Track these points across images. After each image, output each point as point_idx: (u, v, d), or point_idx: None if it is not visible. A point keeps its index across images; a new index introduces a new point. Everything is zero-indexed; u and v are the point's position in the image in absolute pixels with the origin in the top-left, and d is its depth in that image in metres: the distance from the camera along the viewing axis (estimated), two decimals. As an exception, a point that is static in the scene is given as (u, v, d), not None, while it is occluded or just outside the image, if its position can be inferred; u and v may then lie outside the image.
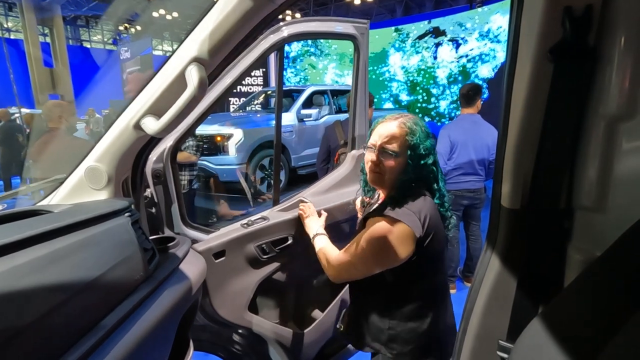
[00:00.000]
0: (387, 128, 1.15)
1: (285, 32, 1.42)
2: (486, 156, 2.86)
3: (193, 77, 0.82)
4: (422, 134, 1.14)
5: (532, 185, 0.81)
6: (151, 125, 0.86)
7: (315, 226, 1.39)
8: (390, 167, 1.12)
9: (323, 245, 1.31)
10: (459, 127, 2.91)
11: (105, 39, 21.80)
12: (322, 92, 6.81)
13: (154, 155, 1.26)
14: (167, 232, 1.30)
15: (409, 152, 1.12)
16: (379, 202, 1.22)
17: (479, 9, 9.88)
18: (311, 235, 1.37)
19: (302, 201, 1.61)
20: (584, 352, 0.57)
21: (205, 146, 5.41)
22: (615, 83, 0.68)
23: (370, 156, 1.15)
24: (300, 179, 6.08)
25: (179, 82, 0.85)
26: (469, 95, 2.92)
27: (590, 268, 0.66)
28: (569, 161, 0.77)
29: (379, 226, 1.07)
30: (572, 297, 0.66)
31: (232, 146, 5.38)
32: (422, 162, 1.13)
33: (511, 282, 0.86)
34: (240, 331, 1.54)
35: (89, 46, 20.83)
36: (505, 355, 0.84)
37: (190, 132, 1.33)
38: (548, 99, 0.75)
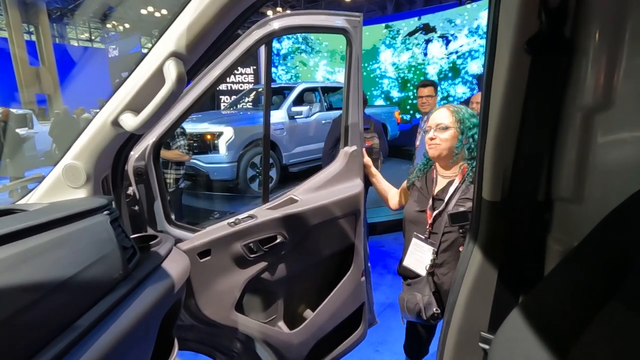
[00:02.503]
0: (438, 112, 1.50)
1: (275, 25, 1.38)
2: None
3: (171, 72, 0.81)
4: (467, 112, 1.47)
5: (512, 178, 0.82)
6: (130, 122, 0.85)
7: None
8: (444, 138, 1.45)
9: None
10: None
11: (93, 37, 21.46)
12: (313, 89, 6.78)
13: (136, 153, 1.24)
14: (150, 231, 1.28)
15: (457, 125, 1.44)
16: (435, 177, 1.55)
17: (468, 6, 9.92)
18: None
19: (292, 199, 1.58)
20: (560, 342, 0.58)
21: (195, 144, 5.36)
22: (591, 75, 0.69)
23: (429, 134, 1.48)
24: (292, 177, 6.06)
25: (157, 77, 0.83)
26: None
27: (566, 259, 0.67)
28: (547, 153, 0.78)
29: None
30: (549, 288, 0.66)
31: (222, 144, 5.34)
32: (469, 133, 1.44)
33: (493, 274, 0.87)
34: (228, 331, 1.53)
35: (76, 44, 20.48)
36: (486, 347, 0.84)
37: (173, 128, 1.30)
38: (526, 91, 0.75)
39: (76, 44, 20.55)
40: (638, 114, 0.66)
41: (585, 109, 0.71)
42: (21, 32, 11.91)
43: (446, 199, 1.45)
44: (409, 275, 1.58)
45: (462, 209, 1.36)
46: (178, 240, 1.27)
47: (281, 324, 1.58)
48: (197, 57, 0.88)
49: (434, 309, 1.42)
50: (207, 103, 9.33)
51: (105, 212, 0.84)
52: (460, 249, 1.34)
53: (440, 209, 1.45)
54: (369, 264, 1.82)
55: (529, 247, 0.82)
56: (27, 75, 11.73)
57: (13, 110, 8.49)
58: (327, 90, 7.08)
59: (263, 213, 1.46)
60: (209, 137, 5.36)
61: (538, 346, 0.59)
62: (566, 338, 0.57)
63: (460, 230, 1.34)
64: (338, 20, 1.58)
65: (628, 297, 0.53)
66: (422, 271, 1.48)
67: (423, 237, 1.50)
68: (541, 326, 0.61)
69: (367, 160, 1.81)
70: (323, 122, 6.42)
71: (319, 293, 1.67)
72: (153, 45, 0.86)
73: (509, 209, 0.83)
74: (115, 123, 0.87)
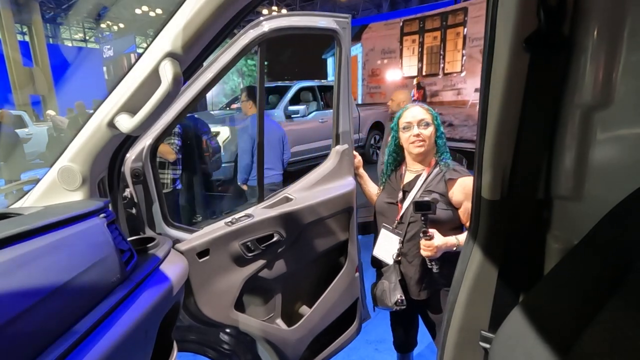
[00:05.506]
0: (415, 109, 1.54)
1: (266, 27, 1.40)
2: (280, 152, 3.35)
3: (167, 72, 0.80)
4: (434, 111, 1.56)
5: (511, 176, 0.82)
6: (125, 123, 0.84)
7: (446, 240, 1.41)
8: (428, 135, 1.50)
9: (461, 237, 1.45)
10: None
11: (87, 37, 21.33)
12: (309, 89, 6.77)
13: (132, 154, 1.23)
14: (149, 233, 1.27)
15: (435, 122, 1.52)
16: (404, 171, 1.60)
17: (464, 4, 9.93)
18: (456, 244, 1.41)
19: (287, 198, 1.59)
20: (561, 340, 0.58)
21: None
22: (590, 72, 0.69)
23: (411, 132, 1.50)
24: (290, 176, 6.04)
25: (153, 78, 0.82)
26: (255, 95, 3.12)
27: (566, 257, 0.67)
28: (546, 151, 0.78)
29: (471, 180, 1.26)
30: (550, 286, 0.66)
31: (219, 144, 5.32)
32: (442, 128, 1.55)
33: (493, 273, 0.87)
34: (227, 330, 1.53)
35: (70, 44, 20.33)
36: (487, 346, 0.84)
37: (169, 129, 1.30)
38: (525, 89, 0.75)
39: (70, 44, 20.40)
40: (637, 111, 0.66)
41: (584, 107, 0.71)
42: (14, 32, 11.81)
43: (414, 191, 1.52)
44: (380, 265, 1.65)
45: (426, 198, 1.39)
46: (176, 241, 1.26)
47: (279, 321, 1.59)
48: (193, 57, 0.88)
49: (399, 296, 1.47)
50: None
51: (102, 215, 0.83)
52: (421, 234, 1.39)
53: (409, 201, 1.52)
54: (361, 260, 1.84)
55: (529, 245, 0.82)
56: (20, 76, 11.64)
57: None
58: (324, 89, 7.06)
59: (259, 212, 1.47)
60: (205, 136, 5.34)
61: (539, 345, 0.59)
62: (567, 337, 0.57)
63: (422, 219, 1.37)
64: (327, 22, 1.60)
65: (629, 295, 0.53)
66: (390, 260, 1.55)
67: (391, 228, 1.56)
68: (542, 325, 0.61)
69: (358, 161, 1.84)
70: (320, 120, 6.42)
71: (315, 289, 1.69)
72: (148, 46, 0.86)
73: (509, 208, 0.83)
74: (111, 125, 0.86)
